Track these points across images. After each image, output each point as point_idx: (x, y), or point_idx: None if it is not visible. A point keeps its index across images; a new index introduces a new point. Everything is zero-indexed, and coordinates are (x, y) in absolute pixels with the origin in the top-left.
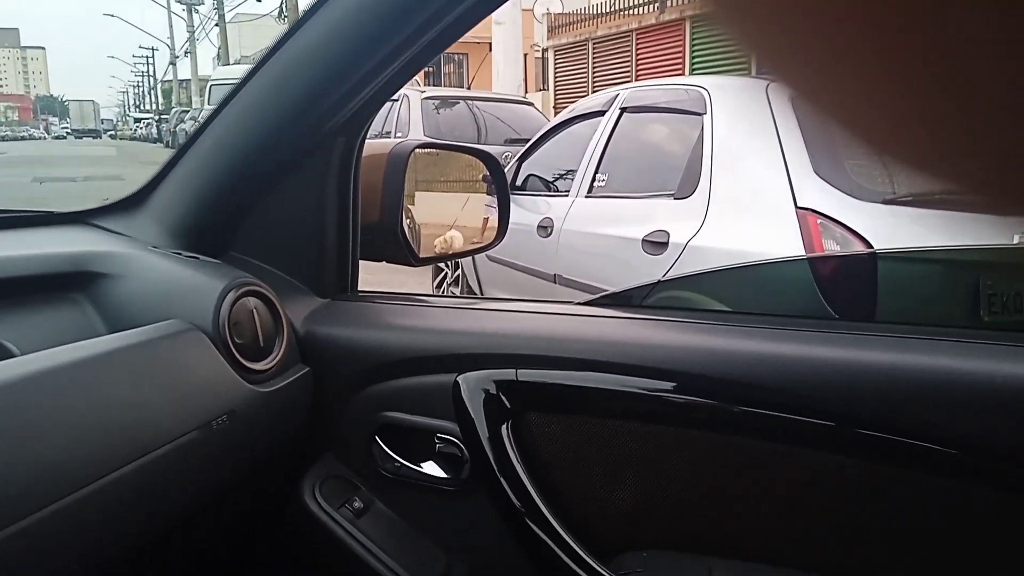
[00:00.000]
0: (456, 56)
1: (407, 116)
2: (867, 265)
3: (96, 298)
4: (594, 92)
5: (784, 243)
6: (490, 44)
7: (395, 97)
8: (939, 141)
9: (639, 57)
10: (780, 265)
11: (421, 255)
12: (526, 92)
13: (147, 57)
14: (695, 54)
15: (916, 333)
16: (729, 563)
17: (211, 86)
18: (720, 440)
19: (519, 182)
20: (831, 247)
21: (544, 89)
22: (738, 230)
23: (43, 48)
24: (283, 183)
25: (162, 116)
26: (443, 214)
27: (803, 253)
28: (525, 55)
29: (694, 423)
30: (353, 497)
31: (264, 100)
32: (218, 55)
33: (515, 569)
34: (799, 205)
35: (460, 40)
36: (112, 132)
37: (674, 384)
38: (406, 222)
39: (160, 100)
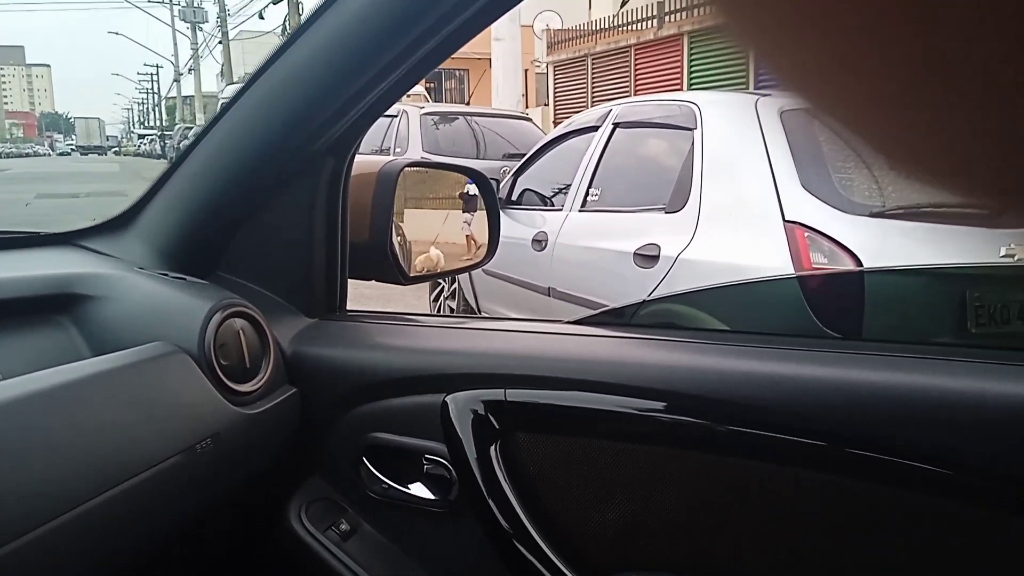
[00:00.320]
0: (457, 72)
1: (406, 132)
2: (855, 277)
3: (81, 321)
4: (592, 107)
5: (772, 256)
6: (490, 60)
7: (394, 113)
8: (942, 150)
9: (637, 72)
10: (770, 283)
11: (412, 274)
12: (527, 107)
13: (151, 74)
14: (693, 69)
15: (908, 352)
16: None
17: (221, 104)
18: (711, 460)
19: (515, 197)
20: (819, 260)
21: (546, 104)
22: (727, 243)
23: (48, 65)
24: (271, 203)
25: (166, 132)
26: (428, 231)
27: (791, 266)
28: (526, 71)
29: (685, 443)
30: (340, 519)
31: (252, 120)
32: (222, 72)
33: None
34: (787, 218)
35: (461, 56)
36: (116, 148)
37: (664, 404)
38: (397, 240)
39: (164, 117)
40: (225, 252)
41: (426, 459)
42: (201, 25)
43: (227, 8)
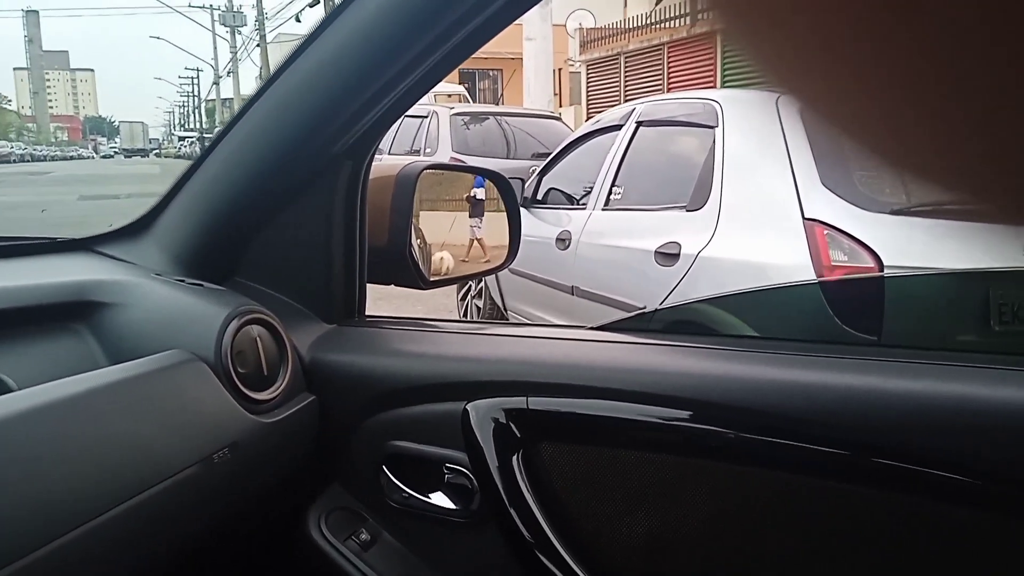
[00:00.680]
0: (491, 72)
1: (436, 132)
2: (875, 276)
3: (97, 328)
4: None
5: (792, 254)
6: (523, 60)
7: (424, 114)
8: (951, 149)
9: (671, 70)
10: (788, 289)
11: (432, 278)
12: (560, 106)
13: (192, 78)
14: (726, 66)
15: (938, 359)
16: None
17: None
18: (737, 471)
19: (540, 196)
20: (838, 257)
21: (578, 104)
22: (747, 241)
23: (92, 70)
24: (289, 207)
25: (205, 135)
26: (438, 234)
27: (810, 264)
28: (560, 70)
29: (710, 453)
30: (360, 529)
31: (269, 124)
32: (260, 74)
33: None
34: (806, 216)
35: (494, 56)
36: (157, 151)
37: (690, 413)
38: (417, 243)
39: (204, 119)
40: (243, 257)
41: (447, 468)
42: (240, 29)
43: (265, 12)
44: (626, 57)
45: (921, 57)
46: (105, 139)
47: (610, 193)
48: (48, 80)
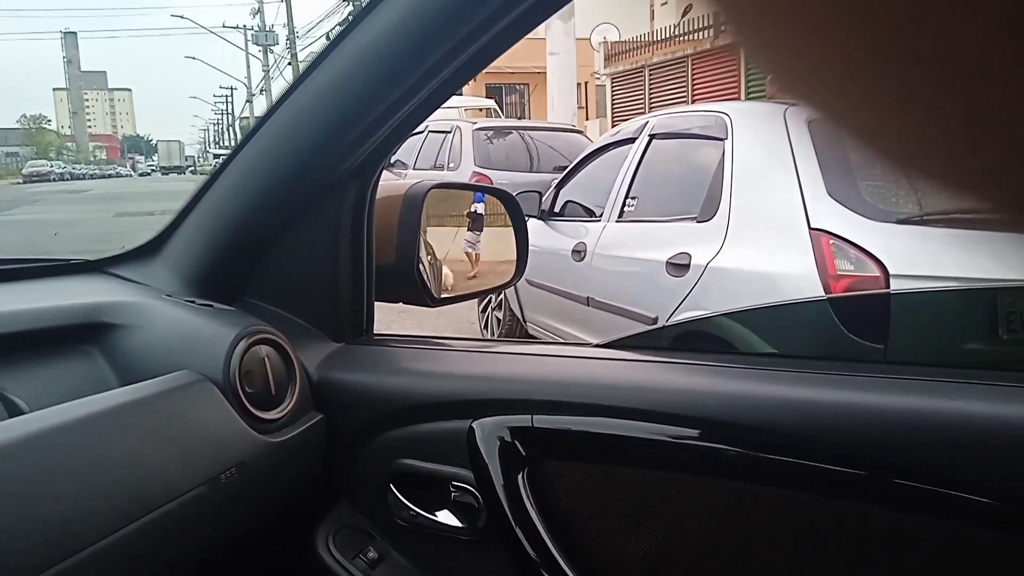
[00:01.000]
0: (518, 86)
1: (459, 148)
2: (881, 285)
3: (108, 350)
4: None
5: (799, 264)
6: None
7: (448, 129)
8: (971, 157)
9: (695, 82)
10: (799, 304)
11: (442, 295)
12: (587, 119)
13: (226, 96)
14: (751, 78)
15: (945, 376)
16: None
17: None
18: (742, 488)
19: (557, 208)
20: (844, 267)
21: (602, 116)
22: (755, 252)
23: (129, 90)
24: (297, 227)
25: None
26: (440, 249)
27: (816, 273)
28: (586, 83)
29: (717, 471)
30: (368, 547)
31: (276, 147)
32: None
33: None
34: (812, 226)
35: (520, 70)
36: (192, 168)
37: (696, 431)
38: (427, 259)
39: (238, 136)
40: (252, 277)
41: (453, 486)
42: (272, 48)
43: (296, 31)
44: (650, 69)
45: (936, 64)
46: (142, 157)
47: (624, 205)
48: (87, 100)
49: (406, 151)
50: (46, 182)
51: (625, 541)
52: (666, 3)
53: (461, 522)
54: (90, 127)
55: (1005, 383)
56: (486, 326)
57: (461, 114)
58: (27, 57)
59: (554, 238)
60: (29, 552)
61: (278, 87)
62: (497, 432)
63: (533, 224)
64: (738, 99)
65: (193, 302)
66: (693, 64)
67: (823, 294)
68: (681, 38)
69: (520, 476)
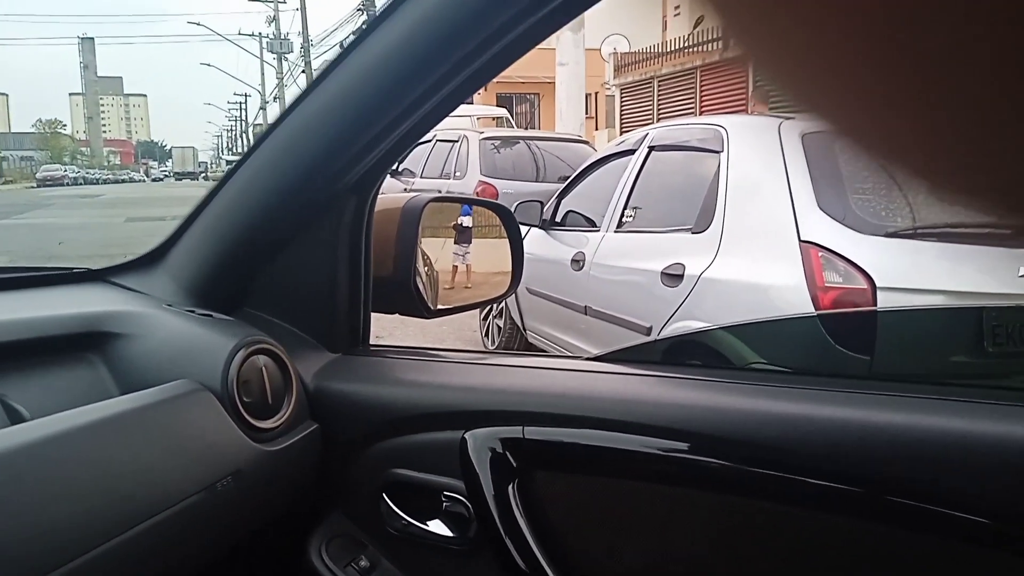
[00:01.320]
0: (528, 96)
1: (466, 157)
2: (869, 297)
3: (109, 358)
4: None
5: (789, 275)
6: None
7: (455, 139)
8: (968, 167)
9: (703, 93)
10: (790, 320)
11: (439, 307)
12: (597, 130)
13: (240, 103)
14: (759, 90)
15: (929, 393)
16: None
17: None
18: (731, 502)
19: (558, 218)
20: (833, 279)
21: (611, 127)
22: (747, 263)
23: (144, 95)
24: (296, 240)
25: None
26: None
27: (806, 285)
28: (596, 94)
29: (705, 484)
30: (360, 556)
31: (277, 161)
32: None
33: None
34: (802, 238)
35: (532, 80)
36: (205, 174)
37: (685, 444)
38: (424, 270)
39: (251, 143)
40: (251, 288)
41: (445, 496)
42: (286, 55)
43: (310, 39)
44: (659, 81)
45: (937, 74)
46: (156, 163)
47: (622, 215)
48: (102, 105)
49: (414, 160)
50: (60, 186)
51: (614, 552)
52: (679, 14)
53: (452, 532)
54: (105, 132)
55: (989, 400)
56: (487, 334)
57: (473, 123)
58: (44, 62)
59: (554, 247)
60: (28, 557)
61: (291, 94)
62: (489, 443)
63: (534, 233)
64: (745, 111)
65: (193, 312)
66: (702, 76)
67: (812, 307)
68: (690, 50)
69: (511, 487)
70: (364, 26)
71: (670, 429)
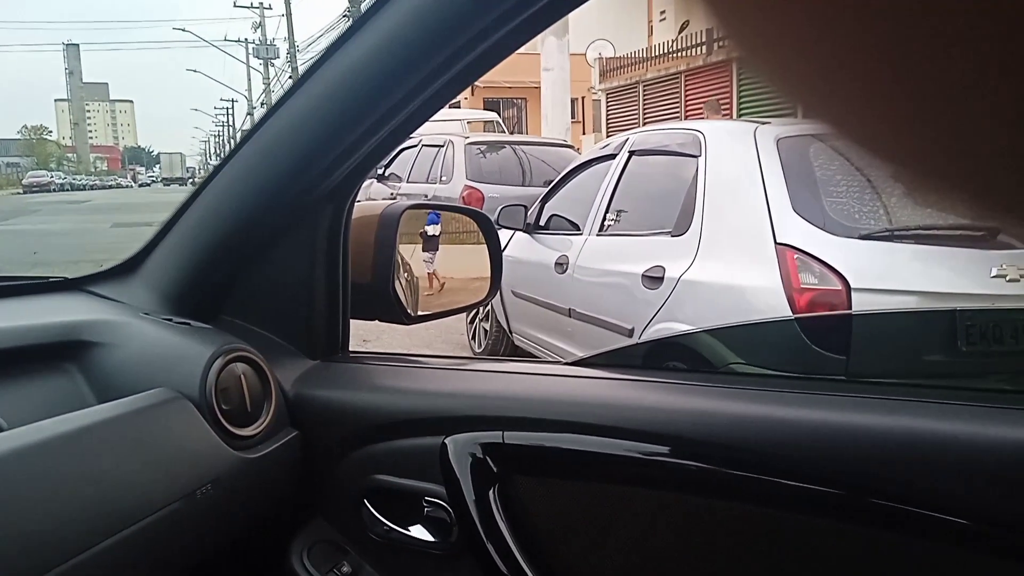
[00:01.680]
0: (516, 101)
1: (451, 162)
2: (843, 299)
3: (87, 367)
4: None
5: (765, 277)
6: None
7: (440, 143)
8: (949, 168)
9: (688, 98)
10: (769, 323)
11: (419, 312)
12: (584, 134)
13: (227, 108)
14: (742, 94)
15: (909, 395)
16: None
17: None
18: (711, 505)
19: (542, 222)
20: (808, 281)
21: (597, 131)
22: (725, 265)
23: (131, 101)
24: (274, 248)
25: None
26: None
27: (782, 287)
28: (583, 98)
29: (685, 487)
30: (342, 562)
31: (253, 169)
32: None
33: None
34: (778, 241)
35: (518, 85)
36: (192, 179)
37: (665, 448)
38: (405, 277)
39: None
40: (229, 295)
41: (426, 501)
42: (273, 61)
43: (296, 45)
44: (644, 85)
45: (932, 72)
46: (143, 168)
47: (604, 219)
48: (88, 111)
49: (400, 164)
50: (46, 192)
51: (595, 556)
52: (664, 19)
53: (434, 537)
54: (91, 138)
55: (965, 402)
56: (474, 337)
57: (463, 126)
58: (29, 68)
59: (538, 251)
60: (6, 567)
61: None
62: (469, 448)
63: (519, 237)
64: (730, 116)
65: (171, 320)
66: (686, 80)
67: (788, 307)
68: (674, 55)
69: (491, 491)
70: (339, 36)
71: (650, 433)
